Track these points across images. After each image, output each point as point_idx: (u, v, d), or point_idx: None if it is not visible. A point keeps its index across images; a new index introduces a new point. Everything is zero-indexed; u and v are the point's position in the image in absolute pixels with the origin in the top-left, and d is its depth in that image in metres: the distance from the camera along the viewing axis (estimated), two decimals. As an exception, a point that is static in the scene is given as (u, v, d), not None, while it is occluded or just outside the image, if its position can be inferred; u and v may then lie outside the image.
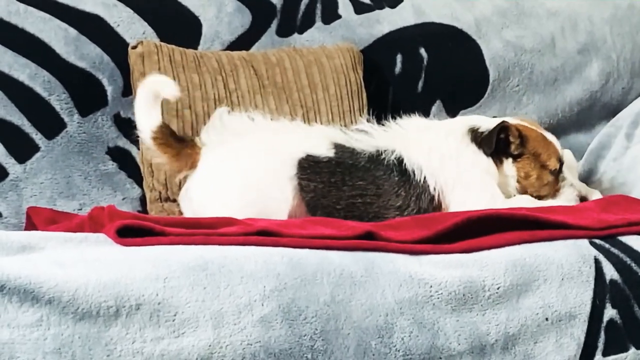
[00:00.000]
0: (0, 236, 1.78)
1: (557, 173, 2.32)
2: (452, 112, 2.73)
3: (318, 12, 2.73)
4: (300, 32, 2.71)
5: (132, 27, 2.54)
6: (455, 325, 1.82)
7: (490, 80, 2.80)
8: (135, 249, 1.78)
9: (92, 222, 2.03)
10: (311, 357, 1.72)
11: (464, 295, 1.84)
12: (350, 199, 2.22)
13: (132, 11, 2.55)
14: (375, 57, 2.72)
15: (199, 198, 2.24)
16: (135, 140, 2.41)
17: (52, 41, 2.46)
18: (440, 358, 1.80)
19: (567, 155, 2.61)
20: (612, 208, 2.16)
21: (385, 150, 2.25)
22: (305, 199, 2.21)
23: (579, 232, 2.00)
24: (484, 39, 2.82)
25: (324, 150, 2.25)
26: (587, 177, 2.74)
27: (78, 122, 2.47)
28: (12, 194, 2.41)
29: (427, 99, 2.75)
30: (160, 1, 2.60)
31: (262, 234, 1.88)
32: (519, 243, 1.95)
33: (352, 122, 2.52)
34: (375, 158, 2.25)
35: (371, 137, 2.29)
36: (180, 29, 2.60)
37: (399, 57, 2.74)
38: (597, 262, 1.95)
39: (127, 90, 2.49)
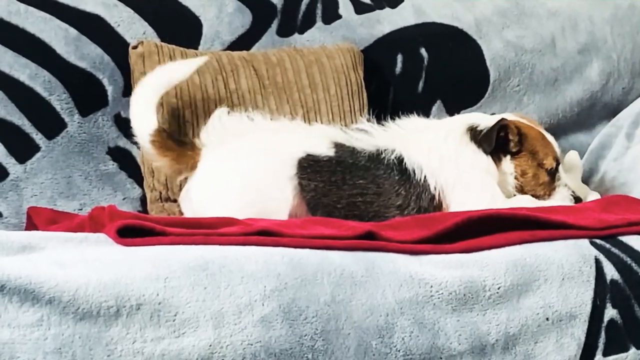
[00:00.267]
0: (0, 236, 1.78)
1: (554, 173, 2.32)
2: (452, 112, 2.73)
3: (318, 12, 2.73)
4: (301, 32, 2.71)
5: (132, 27, 2.54)
6: (455, 325, 1.82)
7: (491, 80, 2.80)
8: (136, 249, 1.78)
9: (93, 222, 2.03)
10: (312, 357, 1.72)
11: (464, 295, 1.84)
12: (350, 198, 2.22)
13: (132, 11, 2.55)
14: (376, 57, 2.72)
15: (199, 199, 2.24)
16: (135, 140, 2.41)
17: (53, 41, 2.46)
18: (441, 358, 1.80)
19: (573, 156, 2.61)
20: (612, 208, 2.16)
21: (385, 150, 2.26)
22: (305, 199, 2.21)
23: (580, 232, 2.00)
24: (484, 39, 2.81)
25: (324, 150, 2.25)
26: (588, 177, 2.74)
27: (78, 122, 2.47)
28: (13, 194, 2.41)
29: (427, 99, 2.75)
30: (161, 1, 2.60)
31: (263, 234, 1.88)
32: (520, 243, 1.95)
33: (352, 122, 2.52)
34: (376, 157, 2.25)
35: (371, 136, 2.29)
36: (181, 29, 2.60)
37: (399, 57, 2.74)
38: (597, 262, 1.94)
39: (128, 91, 2.49)
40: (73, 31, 2.48)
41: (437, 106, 2.75)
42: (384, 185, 2.23)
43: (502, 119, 2.29)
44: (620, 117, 2.87)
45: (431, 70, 2.75)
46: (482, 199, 2.22)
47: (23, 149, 2.42)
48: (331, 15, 2.73)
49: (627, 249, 1.99)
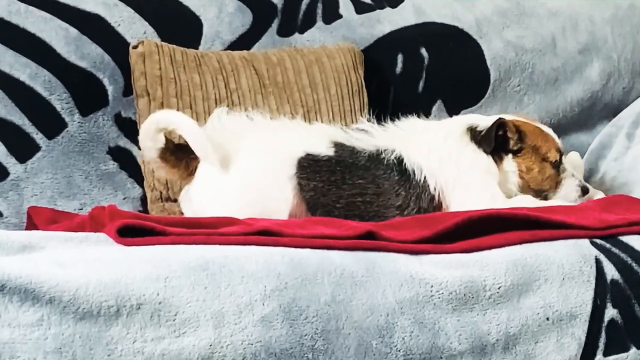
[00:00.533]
0: (1, 236, 1.78)
1: (558, 165, 2.32)
2: (453, 112, 2.73)
3: (319, 11, 2.73)
4: (301, 31, 2.71)
5: (132, 27, 2.54)
6: (456, 325, 1.82)
7: (491, 80, 2.80)
8: (136, 248, 1.78)
9: (93, 222, 2.03)
10: (312, 357, 1.72)
11: (464, 295, 1.84)
12: (350, 198, 2.22)
13: (132, 11, 2.55)
14: (376, 56, 2.72)
15: (199, 198, 2.24)
16: (136, 140, 2.41)
17: (53, 41, 2.46)
18: (441, 358, 1.80)
19: (574, 157, 2.61)
20: (613, 208, 2.16)
21: (385, 150, 2.25)
22: (305, 198, 2.21)
23: (580, 232, 2.00)
24: (484, 38, 2.82)
25: (324, 149, 2.24)
26: (588, 177, 2.73)
27: (79, 122, 2.47)
28: (13, 194, 2.41)
29: (428, 99, 2.75)
30: (161, 1, 2.60)
31: (263, 233, 1.88)
32: (520, 243, 1.95)
33: (353, 121, 2.52)
34: (375, 157, 2.25)
35: (371, 136, 2.29)
36: (181, 29, 2.60)
37: (399, 57, 2.74)
38: (598, 262, 1.94)
39: (128, 90, 2.50)
40: (73, 31, 2.48)
41: (438, 106, 2.75)
42: (383, 185, 2.23)
43: (500, 118, 2.29)
44: (620, 117, 2.87)
45: (431, 70, 2.76)
46: (482, 199, 2.22)
47: (23, 149, 2.42)
48: (331, 15, 2.73)
49: (628, 248, 1.99)
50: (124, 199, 2.49)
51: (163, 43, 2.51)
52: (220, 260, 1.73)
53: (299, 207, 2.21)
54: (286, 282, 1.73)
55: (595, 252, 1.96)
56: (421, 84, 2.75)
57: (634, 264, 1.96)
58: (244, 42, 2.64)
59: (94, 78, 2.49)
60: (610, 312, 1.92)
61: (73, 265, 1.66)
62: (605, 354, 1.91)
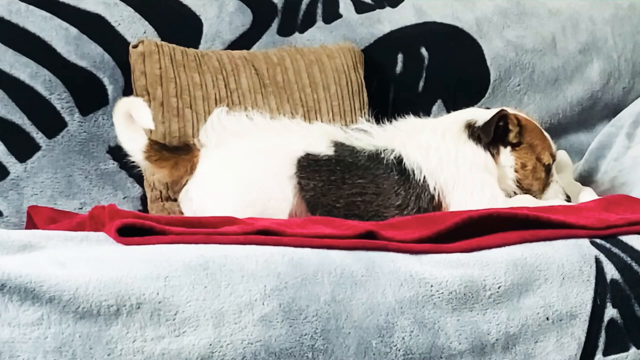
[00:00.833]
0: (1, 235, 1.78)
1: (549, 169, 2.34)
2: (453, 111, 2.72)
3: (319, 11, 2.73)
4: (301, 31, 2.71)
5: (133, 26, 2.54)
6: (455, 325, 1.82)
7: (491, 80, 2.80)
8: (136, 248, 1.78)
9: (93, 221, 2.03)
10: (312, 357, 1.72)
11: (464, 294, 1.84)
12: (350, 198, 2.22)
13: (133, 10, 2.55)
14: (376, 56, 2.72)
15: (199, 199, 2.24)
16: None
17: (53, 40, 2.46)
18: (441, 357, 1.80)
19: (562, 155, 2.62)
20: (613, 208, 2.17)
21: (384, 150, 2.26)
22: (305, 198, 2.21)
23: (580, 232, 2.00)
24: (485, 38, 2.82)
25: (324, 149, 2.25)
26: (588, 177, 2.74)
27: (79, 121, 2.47)
28: (13, 193, 2.41)
29: (428, 99, 2.75)
30: (161, 0, 2.60)
31: (263, 233, 1.88)
32: (520, 242, 1.95)
33: (353, 121, 2.52)
34: (375, 157, 2.25)
35: (371, 136, 2.29)
36: (181, 28, 2.60)
37: (400, 57, 2.74)
38: (597, 262, 1.94)
39: (128, 90, 2.49)
40: (73, 30, 2.48)
41: (438, 106, 2.75)
42: (383, 185, 2.23)
43: (502, 109, 2.30)
44: (620, 116, 2.87)
45: (432, 70, 2.76)
46: (483, 199, 2.22)
47: (23, 148, 2.42)
48: (332, 14, 2.73)
49: (628, 248, 1.99)
50: (124, 198, 2.49)
51: (163, 42, 2.51)
52: (220, 260, 1.73)
53: (299, 206, 2.21)
54: (286, 281, 1.73)
55: (595, 251, 1.96)
56: (421, 84, 2.75)
57: (634, 264, 1.96)
58: (244, 41, 2.64)
59: (94, 77, 2.49)
60: (610, 312, 1.92)
61: (73, 265, 1.66)
62: (605, 354, 1.91)
